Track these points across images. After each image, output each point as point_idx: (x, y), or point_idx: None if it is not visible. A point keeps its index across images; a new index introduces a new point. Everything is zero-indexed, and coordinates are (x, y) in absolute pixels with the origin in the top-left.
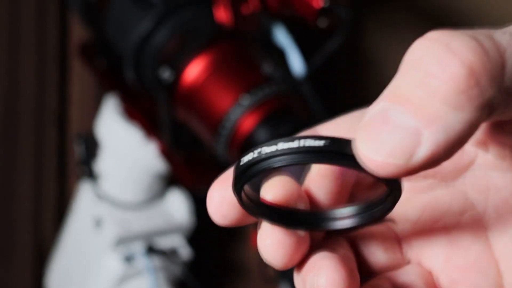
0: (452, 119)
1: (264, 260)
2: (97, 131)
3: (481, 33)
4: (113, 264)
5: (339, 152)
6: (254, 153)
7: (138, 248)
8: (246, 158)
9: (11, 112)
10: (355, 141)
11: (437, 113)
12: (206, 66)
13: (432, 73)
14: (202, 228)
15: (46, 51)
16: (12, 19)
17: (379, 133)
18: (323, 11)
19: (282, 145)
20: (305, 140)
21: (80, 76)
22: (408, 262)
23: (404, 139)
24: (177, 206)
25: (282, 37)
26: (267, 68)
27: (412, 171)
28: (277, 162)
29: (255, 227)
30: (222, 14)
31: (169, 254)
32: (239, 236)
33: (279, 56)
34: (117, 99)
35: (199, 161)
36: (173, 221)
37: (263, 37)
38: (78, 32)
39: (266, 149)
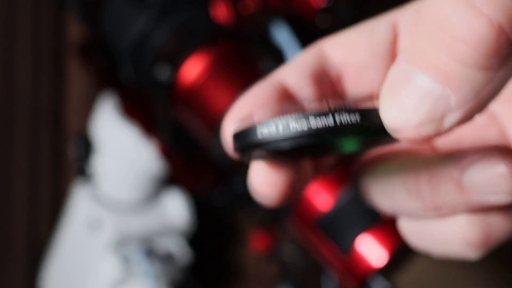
0: (482, 80)
1: (256, 197)
2: (93, 130)
3: None
4: (111, 266)
5: (370, 127)
6: (277, 126)
7: (136, 250)
8: (267, 130)
9: (6, 112)
10: (382, 112)
11: (466, 77)
12: (204, 65)
13: (459, 37)
14: (200, 230)
15: (42, 51)
16: (8, 18)
17: (407, 104)
18: (323, 11)
19: (314, 122)
20: (340, 114)
21: (76, 76)
22: None
23: (434, 107)
24: (177, 207)
25: (281, 35)
26: (266, 67)
27: (443, 134)
28: (306, 141)
29: (254, 229)
30: (220, 13)
31: (168, 256)
32: (237, 239)
33: (278, 55)
34: (116, 98)
35: (199, 161)
36: (173, 223)
37: (262, 36)
38: (74, 31)
39: (295, 125)
